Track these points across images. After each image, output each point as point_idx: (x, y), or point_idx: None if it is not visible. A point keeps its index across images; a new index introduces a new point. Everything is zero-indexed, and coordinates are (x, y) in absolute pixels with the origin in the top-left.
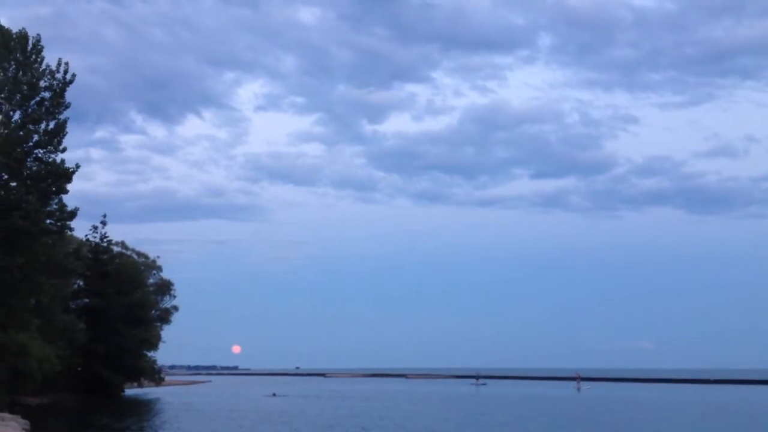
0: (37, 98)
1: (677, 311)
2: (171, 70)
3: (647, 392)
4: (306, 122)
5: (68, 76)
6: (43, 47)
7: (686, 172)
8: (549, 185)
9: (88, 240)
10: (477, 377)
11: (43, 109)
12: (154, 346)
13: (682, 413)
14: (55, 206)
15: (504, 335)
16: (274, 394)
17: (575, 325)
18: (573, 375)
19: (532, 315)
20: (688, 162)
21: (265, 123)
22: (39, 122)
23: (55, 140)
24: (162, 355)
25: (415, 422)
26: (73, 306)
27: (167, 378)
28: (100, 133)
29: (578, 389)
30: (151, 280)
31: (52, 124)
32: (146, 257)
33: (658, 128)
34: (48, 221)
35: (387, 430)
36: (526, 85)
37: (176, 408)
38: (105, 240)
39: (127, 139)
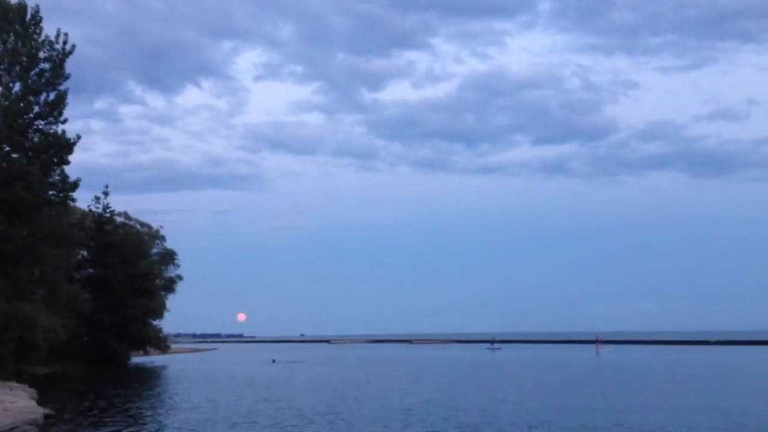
0: (37, 69)
1: (679, 274)
2: (169, 40)
3: (663, 354)
4: (305, 91)
5: (67, 47)
6: (41, 18)
7: (687, 136)
8: (550, 151)
9: (90, 211)
10: (492, 341)
11: (43, 81)
12: (159, 315)
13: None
14: (57, 177)
15: (506, 301)
16: (273, 361)
17: (577, 290)
18: (591, 338)
19: (534, 280)
20: (689, 126)
21: (264, 92)
22: (39, 93)
23: (56, 111)
24: (167, 324)
25: (395, 383)
26: (78, 276)
27: (173, 346)
28: (99, 104)
29: (598, 353)
30: (154, 250)
31: (52, 95)
32: (149, 227)
33: (658, 92)
34: (50, 192)
35: (362, 392)
36: (526, 50)
37: (177, 375)
38: (108, 210)
39: (126, 110)
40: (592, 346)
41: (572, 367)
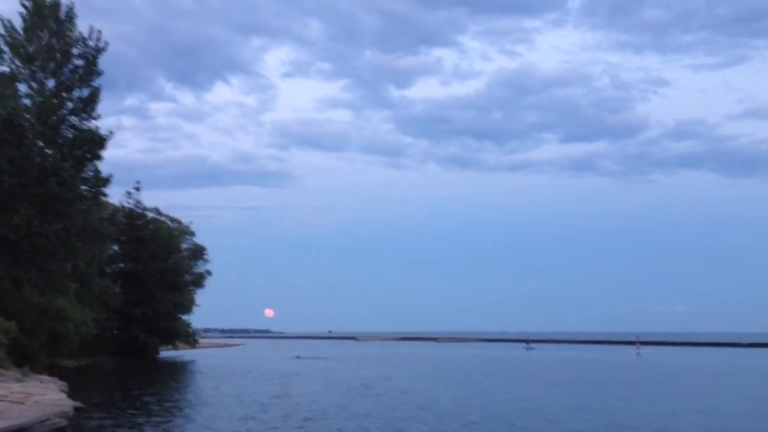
0: (71, 66)
1: (710, 275)
2: (199, 37)
3: (700, 356)
4: (333, 88)
5: (101, 44)
6: (75, 15)
7: (719, 135)
8: (579, 149)
9: (122, 206)
10: (527, 341)
11: (77, 77)
12: (188, 309)
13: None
14: (90, 173)
15: (534, 299)
16: (298, 357)
17: (606, 289)
18: (626, 339)
19: (563, 279)
20: (720, 125)
21: (292, 89)
22: (72, 90)
23: (89, 107)
24: (196, 319)
25: (413, 381)
26: (109, 271)
27: (201, 341)
28: (130, 101)
29: (638, 353)
30: (184, 245)
31: (85, 92)
32: (179, 223)
33: (690, 90)
34: (83, 187)
35: (378, 390)
36: (555, 48)
37: (205, 369)
38: (139, 206)
39: (157, 107)
40: (629, 347)
41: (618, 367)
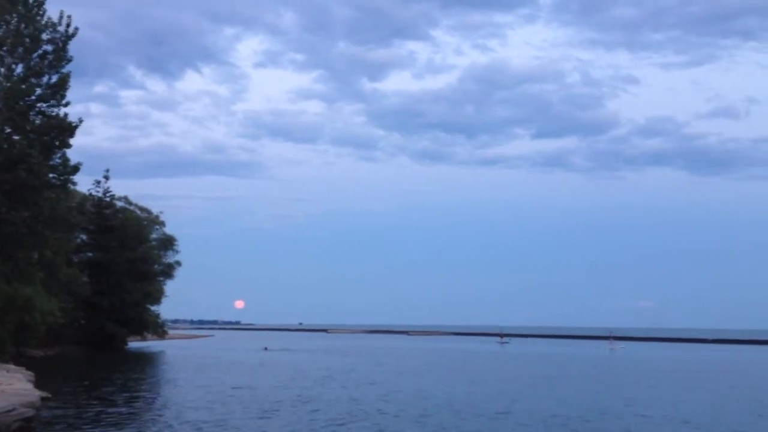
0: (40, 51)
1: (677, 272)
2: (171, 25)
3: (670, 352)
4: (306, 79)
5: (70, 30)
6: (45, 0)
7: (687, 133)
8: (550, 145)
9: (91, 195)
10: (500, 335)
11: (46, 63)
12: (157, 300)
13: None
14: (58, 160)
15: (507, 294)
16: (266, 349)
17: (575, 285)
18: (605, 334)
19: (532, 274)
20: (689, 123)
21: (264, 80)
22: (41, 76)
23: (58, 94)
24: (165, 310)
25: (378, 374)
26: (77, 260)
27: (171, 332)
28: (99, 88)
29: (611, 349)
30: (154, 236)
31: (54, 78)
32: (149, 212)
33: (659, 88)
34: (51, 175)
35: (333, 379)
36: (527, 44)
37: (172, 360)
38: (108, 195)
39: (127, 94)
40: (603, 342)
41: (592, 362)
